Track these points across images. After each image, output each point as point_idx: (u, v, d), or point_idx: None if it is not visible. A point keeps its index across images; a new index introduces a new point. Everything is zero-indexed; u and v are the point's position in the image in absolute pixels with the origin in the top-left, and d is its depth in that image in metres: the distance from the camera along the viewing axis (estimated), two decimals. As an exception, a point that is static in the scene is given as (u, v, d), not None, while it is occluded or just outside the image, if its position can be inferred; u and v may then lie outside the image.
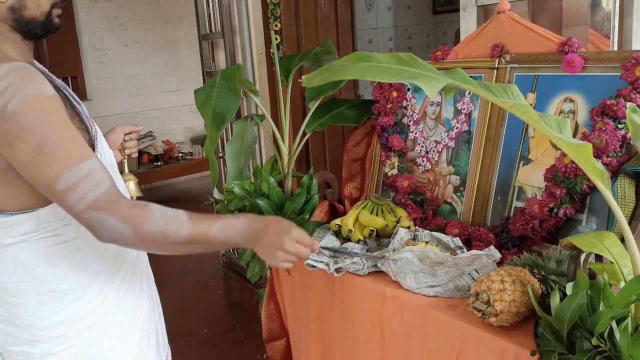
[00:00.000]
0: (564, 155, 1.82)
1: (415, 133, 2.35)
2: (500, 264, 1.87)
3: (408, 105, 2.38)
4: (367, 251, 2.10)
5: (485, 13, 2.68)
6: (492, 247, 1.93)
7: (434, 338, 1.75)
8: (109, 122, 5.04)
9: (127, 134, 1.96)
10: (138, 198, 1.90)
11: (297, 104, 4.08)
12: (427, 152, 2.31)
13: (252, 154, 2.60)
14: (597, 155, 1.71)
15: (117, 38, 7.46)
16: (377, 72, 1.28)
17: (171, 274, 4.95)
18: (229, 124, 2.51)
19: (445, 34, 6.29)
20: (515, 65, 2.08)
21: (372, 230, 2.14)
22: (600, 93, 1.83)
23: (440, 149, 2.27)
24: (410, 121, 2.37)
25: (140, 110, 7.69)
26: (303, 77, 1.35)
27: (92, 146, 1.55)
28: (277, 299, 2.52)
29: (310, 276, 2.18)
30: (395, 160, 2.35)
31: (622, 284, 1.34)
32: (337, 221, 2.23)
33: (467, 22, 2.75)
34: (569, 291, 1.34)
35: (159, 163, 7.17)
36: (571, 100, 1.92)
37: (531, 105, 1.94)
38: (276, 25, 4.20)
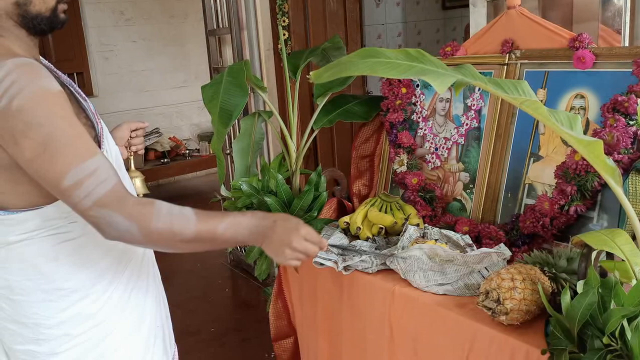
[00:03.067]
0: (574, 152, 1.80)
1: (425, 129, 2.34)
2: (510, 261, 1.85)
3: (417, 101, 2.36)
4: (375, 249, 2.08)
5: (495, 8, 2.66)
6: (502, 244, 1.91)
7: (444, 337, 1.74)
8: (115, 118, 5.05)
9: (134, 130, 1.94)
10: (144, 195, 1.89)
11: (305, 101, 4.07)
12: (436, 149, 2.30)
13: (259, 151, 2.59)
14: (609, 152, 1.69)
15: (123, 34, 7.46)
16: (386, 68, 1.27)
17: (178, 272, 4.95)
18: (236, 121, 2.50)
19: (454, 30, 6.26)
20: (526, 61, 2.06)
21: (381, 228, 2.13)
22: (612, 89, 1.81)
23: (449, 146, 2.26)
24: (419, 118, 2.35)
25: (147, 107, 7.69)
26: (311, 73, 1.34)
27: (98, 143, 1.54)
28: (285, 297, 2.51)
29: (318, 274, 2.18)
30: (404, 157, 2.33)
31: (634, 282, 1.33)
32: (346, 218, 2.22)
33: (477, 17, 2.73)
34: (579, 289, 1.32)
35: (165, 160, 7.16)
36: (582, 97, 1.90)
37: (541, 101, 1.93)
38: (284, 21, 4.20)
